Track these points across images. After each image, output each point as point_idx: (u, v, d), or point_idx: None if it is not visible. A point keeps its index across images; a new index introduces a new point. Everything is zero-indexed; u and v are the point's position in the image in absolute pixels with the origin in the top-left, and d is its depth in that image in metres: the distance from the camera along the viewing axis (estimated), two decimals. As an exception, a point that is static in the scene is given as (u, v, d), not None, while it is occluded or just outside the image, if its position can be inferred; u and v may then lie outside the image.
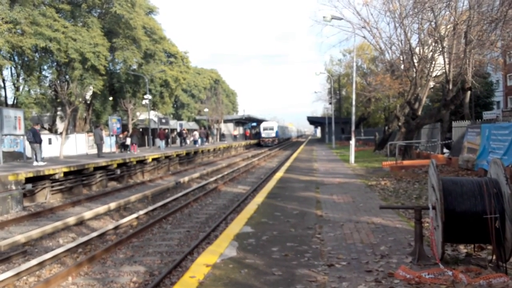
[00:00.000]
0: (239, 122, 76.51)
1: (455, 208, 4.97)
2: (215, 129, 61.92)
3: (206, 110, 63.43)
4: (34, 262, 8.12)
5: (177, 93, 56.32)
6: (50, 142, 30.63)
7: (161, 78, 44.59)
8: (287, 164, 23.99)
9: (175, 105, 69.15)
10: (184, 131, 46.64)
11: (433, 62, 22.53)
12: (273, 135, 64.27)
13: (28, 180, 14.98)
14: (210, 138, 51.39)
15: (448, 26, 19.52)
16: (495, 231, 4.78)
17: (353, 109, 25.62)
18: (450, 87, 18.50)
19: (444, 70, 20.07)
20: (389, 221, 7.87)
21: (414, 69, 21.76)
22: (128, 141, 30.66)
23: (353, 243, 6.51)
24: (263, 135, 64.83)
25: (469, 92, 20.33)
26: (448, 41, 19.36)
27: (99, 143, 24.86)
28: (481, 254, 5.63)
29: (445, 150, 20.68)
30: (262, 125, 66.72)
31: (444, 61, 18.95)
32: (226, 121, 71.59)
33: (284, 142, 78.11)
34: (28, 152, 23.10)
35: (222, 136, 66.84)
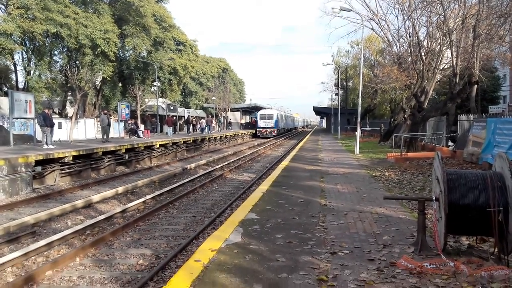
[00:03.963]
0: (246, 110, 76.35)
1: (459, 201, 5.01)
2: (222, 117, 61.26)
3: (213, 98, 63.40)
4: (42, 242, 8.28)
5: (186, 81, 56.40)
6: (60, 126, 30.93)
7: (170, 65, 44.75)
8: (293, 153, 24.03)
9: (183, 93, 69.21)
10: (193, 118, 46.95)
11: (441, 55, 22.41)
12: (272, 125, 55.76)
13: (38, 162, 15.16)
14: (216, 126, 51.33)
15: (457, 20, 19.40)
16: (498, 224, 4.82)
17: (359, 100, 25.59)
18: (457, 80, 18.43)
19: (451, 64, 19.98)
20: (393, 212, 7.93)
21: (422, 62, 21.66)
22: (142, 127, 31.23)
23: (356, 232, 6.58)
24: (260, 124, 56.28)
25: (475, 86, 20.25)
26: (456, 34, 19.27)
27: (104, 126, 24.96)
28: (483, 246, 5.67)
29: (450, 143, 20.65)
30: (259, 113, 58.20)
31: (452, 55, 18.88)
32: (233, 110, 71.42)
33: (286, 133, 71.16)
34: (38, 135, 23.35)
35: (229, 124, 66.67)
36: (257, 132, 56.10)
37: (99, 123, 26.43)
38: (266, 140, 48.13)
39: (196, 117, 55.05)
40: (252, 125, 65.15)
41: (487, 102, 34.29)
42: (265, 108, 66.21)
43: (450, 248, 5.56)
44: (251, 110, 75.43)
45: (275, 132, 55.94)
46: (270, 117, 56.29)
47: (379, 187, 11.14)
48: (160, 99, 46.89)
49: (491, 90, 35.81)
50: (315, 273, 4.79)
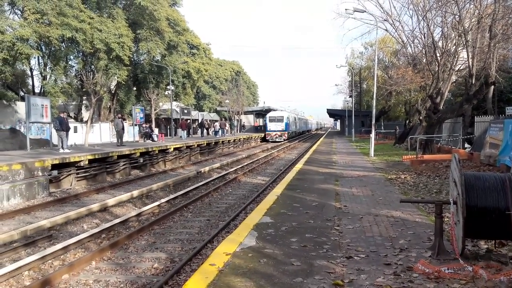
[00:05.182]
0: (259, 113, 76.28)
1: (477, 204, 4.94)
2: (235, 121, 61.13)
3: (227, 101, 63.49)
4: (59, 246, 8.36)
5: (199, 84, 56.63)
6: (75, 130, 31.36)
7: (184, 69, 45.06)
8: (306, 156, 23.97)
9: (196, 96, 69.49)
10: (207, 122, 47.23)
11: (456, 56, 22.17)
12: (282, 128, 51.62)
13: (54, 166, 15.35)
14: (229, 130, 51.34)
15: (473, 20, 19.17)
16: (517, 228, 4.74)
17: (374, 102, 25.43)
18: (473, 81, 18.19)
19: (467, 64, 19.73)
20: (409, 215, 7.85)
21: (437, 63, 21.46)
22: (156, 131, 31.59)
23: (372, 236, 6.52)
24: (269, 127, 52.07)
25: (492, 87, 19.98)
26: (472, 35, 19.02)
27: (119, 130, 25.15)
28: (502, 250, 5.58)
29: (466, 145, 20.39)
30: (268, 115, 53.90)
31: (468, 55, 18.64)
32: (246, 113, 71.43)
33: (299, 136, 68.06)
34: (54, 140, 23.65)
35: (243, 127, 66.68)
36: (266, 136, 52.37)
37: (114, 127, 26.85)
38: (279, 143, 47.88)
39: (209, 120, 55.23)
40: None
41: (504, 103, 33.71)
42: (275, 110, 63.37)
43: (468, 252, 5.48)
44: (264, 113, 74.80)
45: (286, 135, 52.38)
46: (280, 119, 52.36)
47: (395, 190, 11.03)
48: (174, 103, 47.19)
49: (508, 91, 35.22)
50: (330, 278, 4.75)
